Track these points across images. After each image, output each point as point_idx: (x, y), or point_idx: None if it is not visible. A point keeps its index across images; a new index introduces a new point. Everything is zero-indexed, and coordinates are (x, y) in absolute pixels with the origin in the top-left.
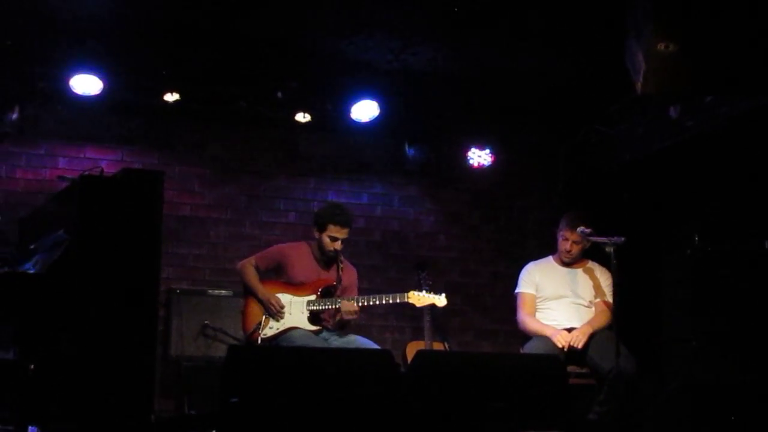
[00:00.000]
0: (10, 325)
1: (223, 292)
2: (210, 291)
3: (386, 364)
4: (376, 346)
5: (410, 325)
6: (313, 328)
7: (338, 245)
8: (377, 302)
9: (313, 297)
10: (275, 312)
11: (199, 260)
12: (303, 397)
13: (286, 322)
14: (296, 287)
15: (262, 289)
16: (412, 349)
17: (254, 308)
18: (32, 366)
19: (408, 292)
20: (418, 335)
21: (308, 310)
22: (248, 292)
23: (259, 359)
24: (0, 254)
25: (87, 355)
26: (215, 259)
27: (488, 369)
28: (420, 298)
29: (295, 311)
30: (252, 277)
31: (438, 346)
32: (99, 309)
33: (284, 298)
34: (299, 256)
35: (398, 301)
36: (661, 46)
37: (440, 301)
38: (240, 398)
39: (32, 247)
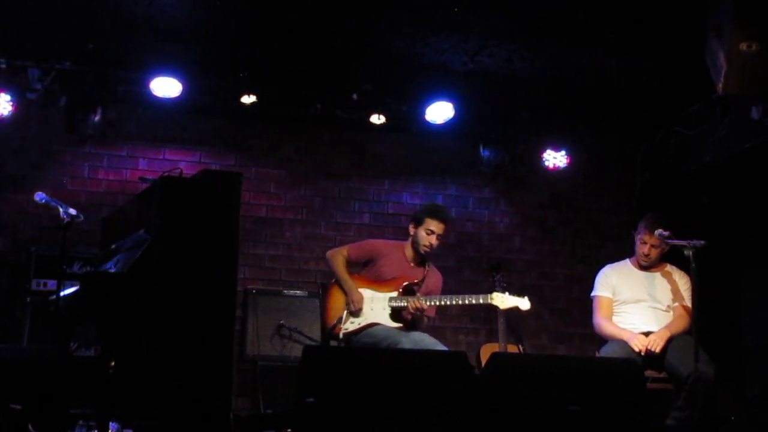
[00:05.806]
0: (93, 323)
1: (298, 292)
2: (285, 291)
3: (461, 366)
4: (443, 347)
5: (484, 327)
6: (395, 324)
7: (434, 240)
8: (459, 302)
9: (395, 294)
10: (352, 310)
11: (274, 261)
12: (378, 397)
13: (368, 318)
14: (381, 283)
15: (350, 282)
16: (486, 352)
17: (337, 301)
18: (112, 363)
19: (491, 293)
20: (492, 337)
21: (390, 306)
22: (334, 281)
23: (335, 360)
24: (83, 254)
25: (166, 353)
26: (290, 259)
27: (564, 372)
28: (504, 300)
29: (377, 307)
30: (341, 266)
31: (512, 348)
32: (178, 308)
33: (366, 293)
34: (393, 255)
35: (481, 302)
36: (743, 46)
37: (524, 304)
38: (316, 398)
39: (113, 246)
